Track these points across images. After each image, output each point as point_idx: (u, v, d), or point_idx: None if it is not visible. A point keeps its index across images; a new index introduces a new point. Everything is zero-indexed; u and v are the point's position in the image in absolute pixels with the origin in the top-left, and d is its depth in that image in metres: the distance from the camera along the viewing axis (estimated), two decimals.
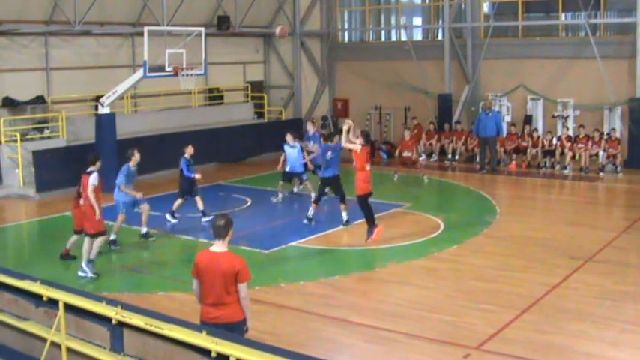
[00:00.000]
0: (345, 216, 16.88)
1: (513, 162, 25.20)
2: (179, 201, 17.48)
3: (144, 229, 16.10)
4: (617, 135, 24.84)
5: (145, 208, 15.88)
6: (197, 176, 17.22)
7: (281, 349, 6.13)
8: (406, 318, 11.11)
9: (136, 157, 15.45)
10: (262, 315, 11.41)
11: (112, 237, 15.19)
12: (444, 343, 10.02)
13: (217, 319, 7.72)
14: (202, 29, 22.41)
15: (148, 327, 6.96)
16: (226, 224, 7.75)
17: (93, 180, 13.22)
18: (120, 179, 15.38)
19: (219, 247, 7.81)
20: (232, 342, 6.37)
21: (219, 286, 7.70)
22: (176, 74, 21.22)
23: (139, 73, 21.28)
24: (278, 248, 15.24)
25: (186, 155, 17.22)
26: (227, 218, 7.84)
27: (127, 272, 14.06)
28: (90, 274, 13.27)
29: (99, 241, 13.50)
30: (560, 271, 13.18)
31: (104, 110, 21.56)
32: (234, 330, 7.62)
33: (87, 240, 13.40)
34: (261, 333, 10.23)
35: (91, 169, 13.41)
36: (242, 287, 7.73)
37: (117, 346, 7.45)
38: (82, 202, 13.48)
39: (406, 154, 23.26)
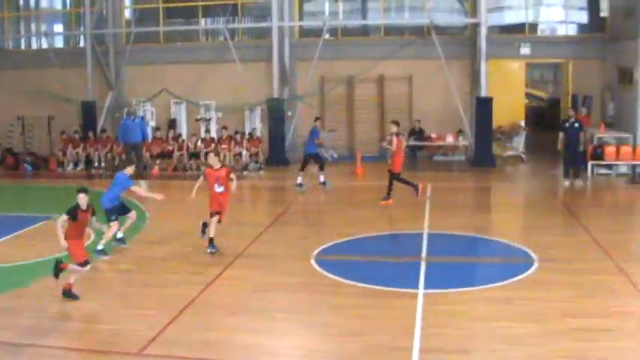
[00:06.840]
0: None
1: (156, 166, 25.52)
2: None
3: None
4: (258, 134, 26.37)
5: None
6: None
7: None
8: (62, 332, 10.88)
9: None
10: None
11: None
12: (106, 354, 9.94)
13: None
14: None
15: None
16: None
17: None
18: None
19: None
20: None
21: None
22: None
23: None
24: None
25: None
26: None
27: None
28: None
29: None
30: (213, 270, 13.65)
31: None
32: None
33: None
34: None
35: None
36: None
37: None
38: None
39: None
